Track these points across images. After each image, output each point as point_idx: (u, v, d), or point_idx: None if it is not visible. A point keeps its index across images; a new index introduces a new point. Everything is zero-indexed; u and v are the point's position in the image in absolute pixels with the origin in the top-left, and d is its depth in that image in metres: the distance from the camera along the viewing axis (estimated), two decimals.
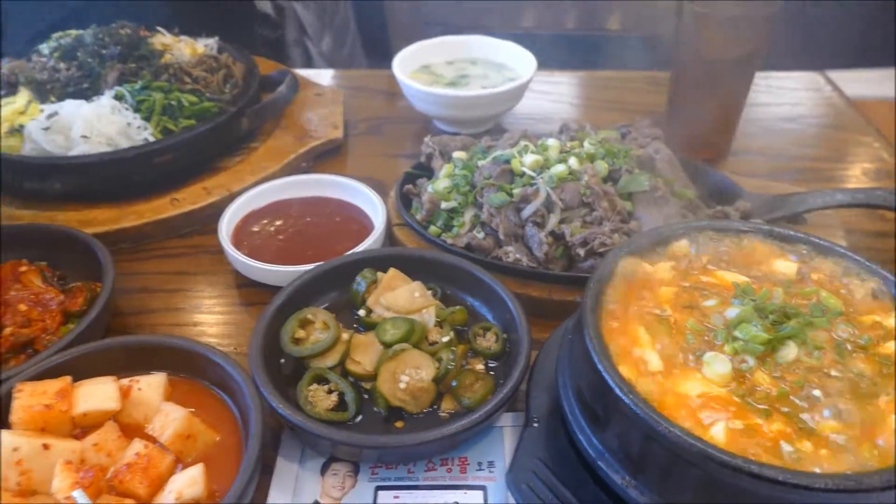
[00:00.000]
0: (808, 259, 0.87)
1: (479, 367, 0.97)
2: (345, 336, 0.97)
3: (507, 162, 1.17)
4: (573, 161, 1.15)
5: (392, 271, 1.05)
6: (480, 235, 1.13)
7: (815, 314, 0.77)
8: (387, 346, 0.95)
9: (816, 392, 0.70)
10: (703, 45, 1.34)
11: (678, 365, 0.74)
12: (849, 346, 0.75)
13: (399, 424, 0.90)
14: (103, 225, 1.24)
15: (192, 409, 0.87)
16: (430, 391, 0.91)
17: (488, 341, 0.99)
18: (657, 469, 0.68)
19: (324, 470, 0.89)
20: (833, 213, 1.26)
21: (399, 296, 1.02)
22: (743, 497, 0.63)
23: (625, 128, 1.33)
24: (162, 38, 1.60)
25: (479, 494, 0.86)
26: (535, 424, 0.86)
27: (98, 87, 1.42)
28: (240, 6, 2.05)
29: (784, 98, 1.78)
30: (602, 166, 1.16)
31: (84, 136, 1.29)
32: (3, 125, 1.36)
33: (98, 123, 1.32)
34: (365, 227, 1.23)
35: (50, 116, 1.33)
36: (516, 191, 1.13)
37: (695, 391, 0.71)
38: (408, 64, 1.60)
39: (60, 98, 1.40)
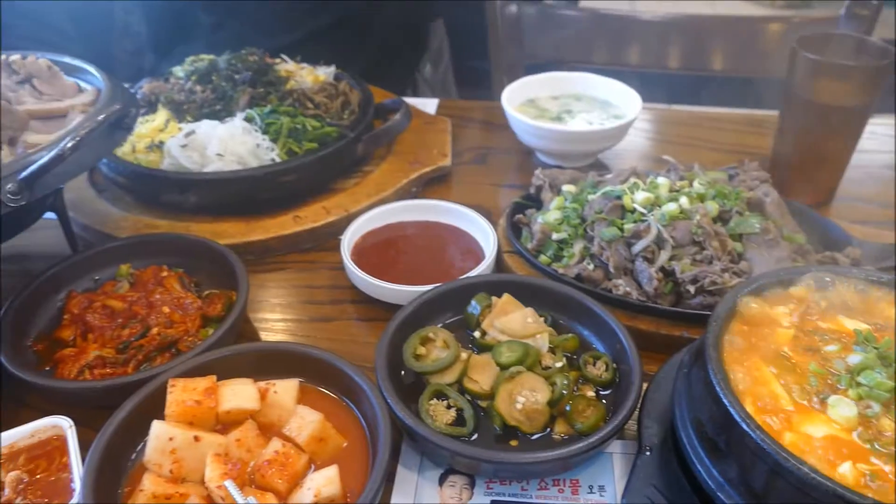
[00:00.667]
0: None
1: (590, 393, 1.01)
2: (463, 355, 1.03)
3: (619, 198, 1.22)
4: (684, 200, 1.18)
5: (506, 296, 1.11)
6: (590, 267, 1.18)
7: None
8: (503, 367, 1.00)
9: None
10: (814, 93, 1.36)
11: (801, 405, 0.76)
12: None
13: (514, 443, 0.95)
14: (232, 237, 1.34)
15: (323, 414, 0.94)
16: (544, 413, 0.96)
17: (598, 370, 1.03)
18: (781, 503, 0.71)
19: (441, 480, 0.94)
20: None
21: (513, 320, 1.07)
22: None
23: (732, 169, 1.36)
24: (286, 66, 1.72)
25: None
26: (648, 453, 0.89)
27: (230, 109, 1.53)
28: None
29: (889, 145, 1.77)
30: (713, 207, 1.19)
31: (219, 155, 1.40)
32: (143, 141, 1.48)
33: (231, 143, 1.42)
34: (475, 252, 1.29)
35: (188, 135, 1.44)
36: (627, 226, 1.17)
37: (819, 432, 0.73)
38: (515, 97, 1.67)
39: (196, 118, 1.52)
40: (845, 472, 0.69)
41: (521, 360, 1.00)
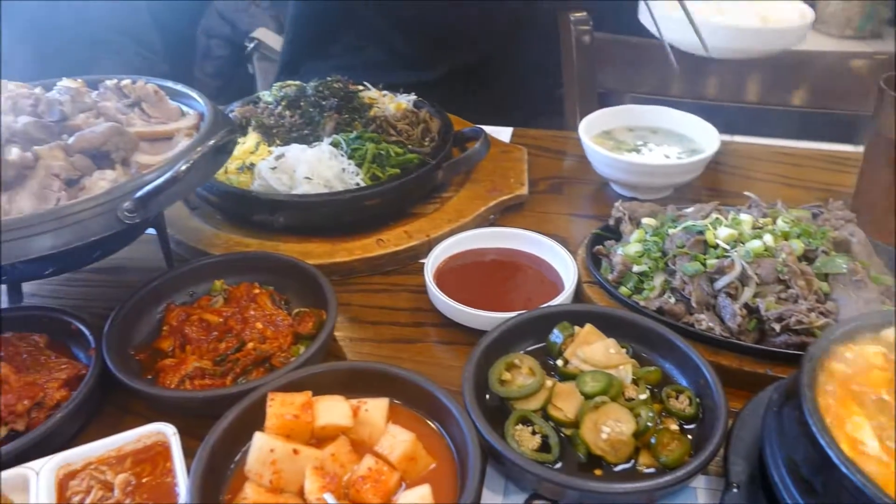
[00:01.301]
0: None
1: (674, 427, 1.02)
2: (548, 383, 1.05)
3: (701, 233, 1.23)
4: (768, 238, 1.19)
5: (588, 326, 1.13)
6: (672, 300, 1.19)
7: None
8: (587, 397, 1.02)
9: None
10: None
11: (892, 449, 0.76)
12: None
13: (598, 472, 0.96)
14: (319, 258, 1.39)
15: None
16: (629, 444, 0.97)
17: (682, 403, 1.04)
18: None
19: None
20: None
21: (595, 350, 1.09)
22: None
23: (815, 208, 1.35)
24: (368, 93, 1.78)
25: None
26: (736, 490, 0.90)
27: (317, 134, 1.59)
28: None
29: None
30: (798, 245, 1.19)
31: (307, 178, 1.46)
32: (235, 162, 1.55)
33: (318, 167, 1.48)
34: (554, 282, 1.32)
35: (278, 158, 1.51)
36: (710, 261, 1.18)
37: None
38: (592, 128, 1.69)
39: (284, 142, 1.59)
40: None
41: (605, 391, 1.02)
